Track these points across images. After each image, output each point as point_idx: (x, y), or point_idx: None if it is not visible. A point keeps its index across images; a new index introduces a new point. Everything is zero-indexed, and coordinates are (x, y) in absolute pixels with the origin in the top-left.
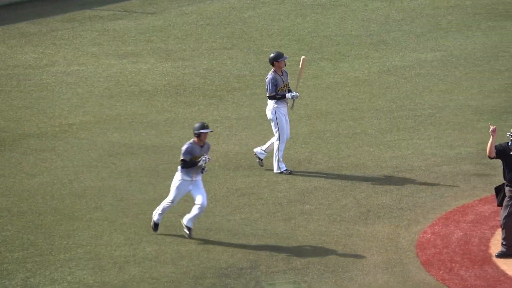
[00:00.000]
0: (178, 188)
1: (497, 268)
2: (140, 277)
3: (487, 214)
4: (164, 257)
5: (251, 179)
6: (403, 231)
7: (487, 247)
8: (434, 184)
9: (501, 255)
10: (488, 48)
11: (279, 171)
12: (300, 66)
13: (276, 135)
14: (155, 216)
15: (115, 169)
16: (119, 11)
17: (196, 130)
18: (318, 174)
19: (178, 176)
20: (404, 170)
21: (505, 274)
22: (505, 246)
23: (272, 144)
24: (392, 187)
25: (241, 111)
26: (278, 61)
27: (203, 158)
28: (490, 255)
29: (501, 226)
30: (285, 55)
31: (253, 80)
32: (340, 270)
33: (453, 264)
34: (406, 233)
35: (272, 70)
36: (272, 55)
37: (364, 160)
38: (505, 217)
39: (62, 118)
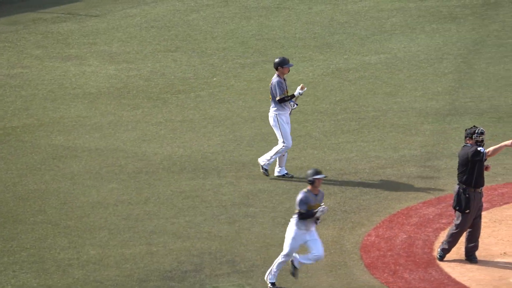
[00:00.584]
0: (294, 239)
1: (441, 270)
2: (84, 280)
3: (431, 216)
4: (108, 260)
5: (195, 182)
6: (347, 233)
7: (431, 249)
8: (378, 187)
9: (442, 257)
10: (432, 51)
11: (263, 170)
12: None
13: (280, 140)
14: (270, 278)
15: (59, 172)
16: (63, 13)
17: (310, 177)
18: (262, 177)
19: (292, 227)
20: (348, 173)
21: (449, 277)
22: (443, 251)
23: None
24: (336, 189)
25: (185, 114)
26: (282, 67)
27: (321, 209)
28: (434, 258)
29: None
30: (290, 62)
31: (197, 83)
32: (284, 273)
33: (397, 267)
34: (350, 235)
35: (276, 74)
36: (277, 60)
37: (308, 162)
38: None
39: (6, 121)
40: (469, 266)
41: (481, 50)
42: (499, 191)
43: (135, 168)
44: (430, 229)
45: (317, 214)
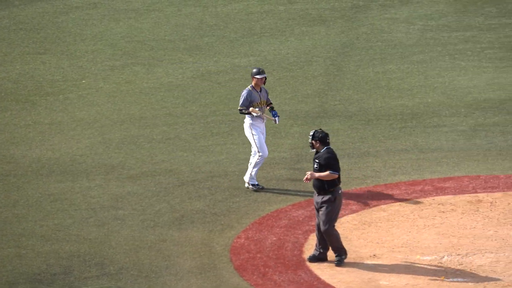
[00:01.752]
0: None
1: (311, 272)
2: None
3: (300, 219)
4: None
5: (64, 185)
6: (216, 236)
7: (301, 251)
8: (248, 189)
9: (312, 259)
10: (302, 53)
11: (253, 186)
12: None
13: (254, 150)
14: None
15: None
16: None
17: None
18: (131, 180)
19: None
20: (218, 175)
21: (318, 279)
22: (317, 250)
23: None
24: (206, 192)
25: (53, 116)
26: (255, 77)
27: None
28: (304, 260)
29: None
30: (265, 73)
31: (66, 85)
32: (153, 275)
33: (267, 269)
34: (219, 238)
35: (250, 85)
36: (254, 70)
37: (178, 165)
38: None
39: None
40: (339, 268)
41: (350, 52)
42: (369, 193)
43: (3, 170)
44: (299, 231)
45: None
